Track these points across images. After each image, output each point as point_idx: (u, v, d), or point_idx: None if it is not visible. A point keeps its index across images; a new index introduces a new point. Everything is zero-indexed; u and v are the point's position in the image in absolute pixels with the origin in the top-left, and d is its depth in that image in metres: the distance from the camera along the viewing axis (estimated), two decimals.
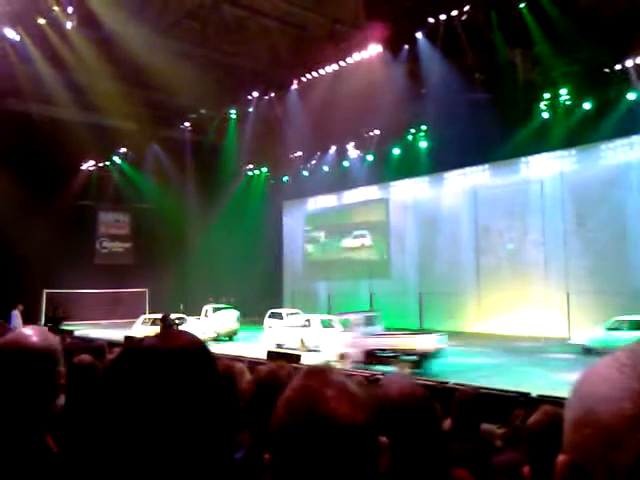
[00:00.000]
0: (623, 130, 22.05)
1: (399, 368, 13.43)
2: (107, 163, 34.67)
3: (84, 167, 34.06)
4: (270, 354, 11.02)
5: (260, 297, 32.10)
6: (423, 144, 28.67)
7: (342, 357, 16.01)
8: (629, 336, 19.68)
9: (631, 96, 21.83)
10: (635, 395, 0.47)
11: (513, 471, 2.52)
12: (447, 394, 4.03)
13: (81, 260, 31.57)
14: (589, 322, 22.67)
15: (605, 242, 23.02)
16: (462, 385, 6.23)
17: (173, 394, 1.04)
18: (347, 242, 34.58)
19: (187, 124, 32.99)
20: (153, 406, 0.99)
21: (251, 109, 30.61)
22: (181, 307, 28.33)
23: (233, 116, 31.85)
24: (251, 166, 36.42)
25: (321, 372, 0.98)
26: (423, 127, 28.07)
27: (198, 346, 1.18)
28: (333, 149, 32.50)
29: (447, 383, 7.38)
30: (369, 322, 17.43)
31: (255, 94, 29.70)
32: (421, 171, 29.04)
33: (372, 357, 15.37)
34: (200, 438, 1.07)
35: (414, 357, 14.88)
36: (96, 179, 34.21)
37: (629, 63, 21.36)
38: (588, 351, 17.99)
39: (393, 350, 15.38)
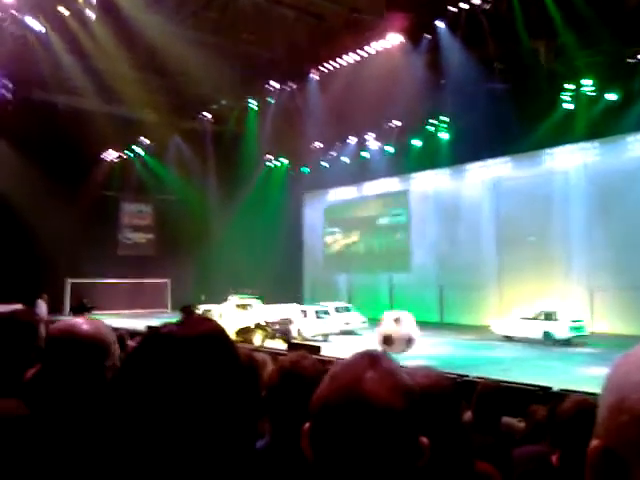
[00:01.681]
0: None
1: None
2: (130, 154, 34.97)
3: (107, 158, 34.39)
4: (290, 345, 11.08)
5: (280, 289, 32.21)
6: (444, 135, 28.41)
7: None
8: (540, 325, 20.07)
9: None
10: None
11: (535, 462, 2.51)
12: (468, 387, 4.01)
13: (104, 250, 31.97)
14: (611, 317, 22.43)
15: (629, 235, 22.63)
16: (482, 378, 6.20)
17: (192, 382, 1.04)
18: (366, 234, 34.48)
19: (207, 115, 33.08)
20: (172, 393, 1.00)
21: (271, 99, 30.58)
22: (202, 298, 28.55)
23: (253, 107, 31.86)
24: (271, 157, 36.45)
25: (371, 355, 1.00)
26: (444, 118, 27.81)
27: (219, 334, 1.18)
28: (353, 140, 32.37)
29: (467, 376, 7.34)
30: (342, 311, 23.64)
31: (275, 84, 29.67)
32: (442, 163, 28.81)
33: None
34: (220, 426, 1.07)
35: None
36: (119, 170, 34.53)
37: None
38: (508, 338, 21.05)
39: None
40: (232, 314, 22.22)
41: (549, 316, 20.91)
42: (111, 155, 34.45)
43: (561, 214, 25.18)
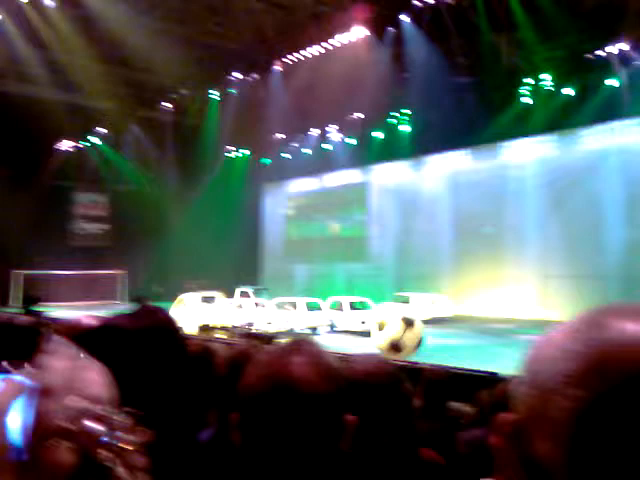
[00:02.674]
0: (603, 116, 22.28)
1: None
2: (86, 143, 34.15)
3: (61, 147, 33.50)
4: (244, 335, 11.06)
5: (239, 279, 32.06)
6: (405, 128, 28.66)
7: None
8: (346, 316, 20.62)
9: (612, 82, 22.02)
10: (577, 357, 0.50)
11: (473, 445, 2.58)
12: (418, 374, 4.08)
13: (57, 241, 31.13)
14: (564, 305, 23.11)
15: (582, 227, 23.33)
16: (432, 365, 6.33)
17: (136, 372, 1.03)
18: (326, 225, 34.61)
19: (168, 104, 32.56)
20: (118, 383, 0.99)
21: (233, 90, 30.29)
22: (158, 290, 28.16)
23: (215, 97, 31.51)
24: (232, 147, 36.13)
25: (297, 342, 1.02)
26: (406, 111, 28.04)
27: (165, 325, 1.18)
28: (315, 132, 32.36)
29: (418, 363, 7.45)
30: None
31: (237, 75, 29.39)
32: (403, 155, 29.07)
33: None
34: (165, 416, 1.07)
35: None
36: (74, 160, 33.66)
37: (611, 49, 21.50)
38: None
39: None
40: (197, 307, 21.83)
41: (335, 305, 21.38)
42: (66, 144, 33.57)
43: (517, 206, 25.79)
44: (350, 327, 19.99)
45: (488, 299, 25.53)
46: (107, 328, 1.18)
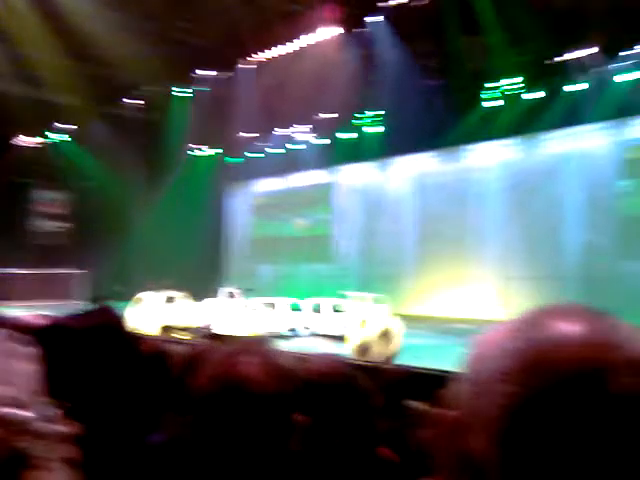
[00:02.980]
0: (565, 121, 22.82)
1: None
2: (47, 139, 33.35)
3: (20, 143, 32.66)
4: (209, 335, 10.89)
5: (203, 279, 31.74)
6: (373, 129, 28.81)
7: None
8: (327, 319, 20.34)
9: (574, 88, 22.55)
10: (514, 355, 0.51)
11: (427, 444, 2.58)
12: (378, 374, 4.07)
13: (14, 239, 30.36)
14: (524, 306, 23.52)
15: (542, 229, 23.84)
16: (392, 364, 6.39)
17: (83, 371, 1.03)
18: (292, 225, 34.56)
19: (133, 101, 32.03)
20: (63, 381, 0.98)
21: (201, 88, 30.01)
22: (119, 289, 27.63)
23: (182, 94, 31.14)
24: (198, 146, 35.74)
25: (249, 343, 1.04)
26: (374, 112, 28.20)
27: (115, 325, 1.16)
28: (283, 132, 32.26)
29: (378, 363, 7.50)
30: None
31: (205, 72, 29.10)
32: (370, 156, 29.23)
33: None
34: (110, 418, 1.05)
35: None
36: (33, 156, 32.83)
37: (574, 55, 22.01)
38: None
39: None
40: (158, 307, 21.39)
41: (316, 307, 20.72)
42: (25, 140, 32.74)
43: (481, 208, 26.20)
44: (330, 331, 19.02)
45: (451, 299, 25.86)
46: (55, 327, 1.16)
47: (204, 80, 29.37)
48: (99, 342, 1.10)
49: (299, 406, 0.99)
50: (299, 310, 20.98)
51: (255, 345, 1.02)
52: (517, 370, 0.50)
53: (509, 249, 24.97)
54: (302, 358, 2.00)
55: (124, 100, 31.68)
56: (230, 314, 19.97)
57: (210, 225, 34.91)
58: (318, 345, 16.23)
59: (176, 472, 1.53)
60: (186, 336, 16.46)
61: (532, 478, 0.48)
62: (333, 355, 2.11)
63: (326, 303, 21.02)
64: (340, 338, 16.70)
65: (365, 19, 23.50)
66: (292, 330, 20.00)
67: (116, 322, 1.18)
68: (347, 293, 22.81)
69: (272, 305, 20.77)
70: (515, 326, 0.55)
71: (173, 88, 30.65)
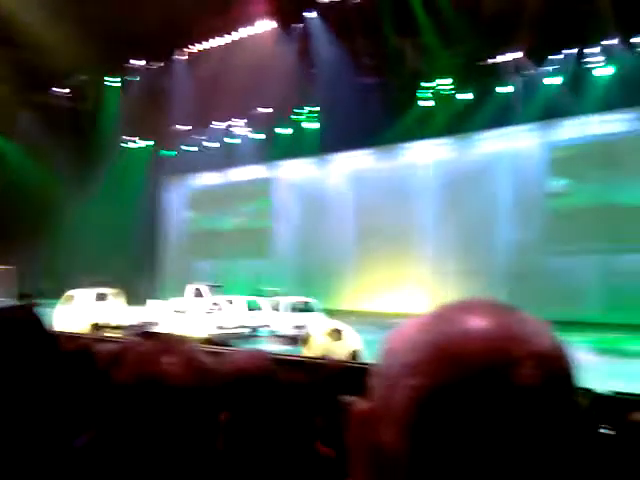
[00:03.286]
0: (497, 121, 23.57)
1: None
2: None
3: None
4: (140, 334, 10.55)
5: (137, 276, 30.99)
6: (312, 125, 28.86)
7: None
8: (283, 318, 19.16)
9: (505, 89, 23.33)
10: (422, 347, 0.52)
11: None
12: (316, 369, 4.06)
13: None
14: (458, 299, 24.22)
15: (475, 226, 24.57)
16: (328, 359, 6.42)
17: None
18: (231, 221, 34.20)
19: (63, 90, 30.81)
20: None
21: (135, 78, 29.21)
22: (46, 286, 26.59)
23: (115, 84, 30.21)
24: (132, 138, 34.76)
25: (170, 340, 1.06)
26: (312, 108, 28.24)
27: (31, 322, 1.11)
28: (220, 125, 31.82)
29: (317, 359, 7.51)
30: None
31: (139, 62, 28.35)
32: (309, 152, 29.27)
33: None
34: (24, 421, 1.00)
35: None
36: None
37: (505, 57, 22.76)
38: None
39: None
40: (89, 304, 20.64)
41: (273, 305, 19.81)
42: None
43: (416, 205, 26.72)
44: (286, 332, 18.08)
45: (388, 295, 26.27)
46: None
47: (139, 70, 28.61)
48: (13, 339, 1.04)
49: (220, 402, 0.99)
50: (258, 309, 19.78)
51: (176, 342, 1.02)
52: (425, 363, 0.51)
53: (444, 245, 25.60)
54: (224, 353, 1.98)
55: (53, 89, 30.42)
56: (187, 315, 18.79)
57: (145, 220, 34.06)
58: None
59: (99, 474, 1.48)
60: (117, 334, 16.11)
61: (440, 470, 0.49)
62: (255, 350, 2.10)
63: (284, 301, 19.85)
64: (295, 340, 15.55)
65: (302, 14, 23.50)
66: (252, 330, 18.99)
67: (33, 319, 1.12)
68: (267, 289, 22.54)
69: (230, 302, 19.75)
70: (425, 320, 0.56)
71: (106, 78, 29.69)
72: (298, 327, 16.53)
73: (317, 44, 24.00)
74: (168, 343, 1.02)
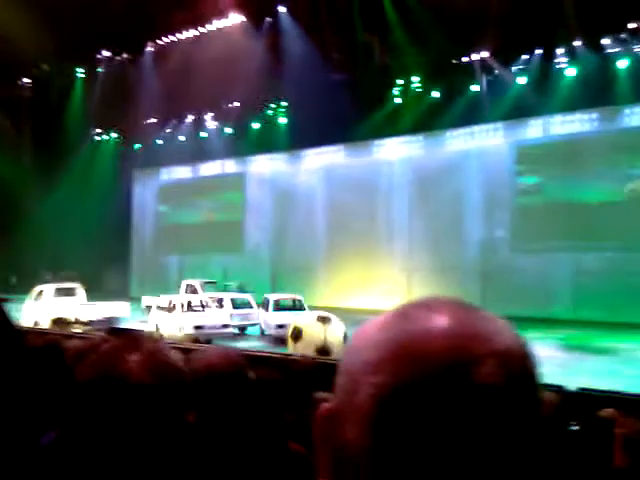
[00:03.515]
0: (465, 120, 23.84)
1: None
2: None
3: None
4: (112, 330, 10.36)
5: (106, 271, 30.55)
6: (282, 120, 28.77)
7: None
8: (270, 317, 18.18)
9: (474, 88, 23.60)
10: (384, 345, 0.53)
11: None
12: (288, 365, 4.05)
13: None
14: (427, 294, 24.50)
15: (444, 223, 24.84)
16: (301, 355, 6.43)
17: None
18: (201, 215, 33.90)
19: (27, 80, 30.06)
20: None
21: (101, 69, 28.66)
22: (11, 281, 26.06)
23: (81, 75, 29.59)
24: (100, 130, 34.14)
25: (136, 337, 1.04)
26: (283, 103, 28.13)
27: None
28: (190, 118, 31.48)
29: (290, 355, 7.50)
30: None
31: (107, 54, 27.83)
32: (280, 147, 29.19)
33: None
34: None
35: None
36: None
37: (474, 57, 23.02)
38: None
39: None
40: (55, 299, 20.17)
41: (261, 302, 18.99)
42: None
43: (386, 202, 26.90)
44: (271, 331, 17.46)
45: (359, 291, 26.38)
46: None
47: (107, 62, 28.08)
48: None
49: (189, 400, 0.98)
50: (249, 307, 19.08)
51: (142, 339, 1.02)
52: (387, 361, 0.52)
53: (414, 242, 25.83)
54: (195, 351, 1.96)
55: (20, 80, 29.67)
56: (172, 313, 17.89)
57: (115, 214, 33.50)
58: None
59: (65, 473, 1.47)
60: (81, 329, 15.85)
61: (402, 467, 0.50)
62: (226, 347, 2.09)
63: (272, 298, 18.87)
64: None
65: (272, 8, 23.39)
66: (241, 329, 18.49)
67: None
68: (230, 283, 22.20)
69: (220, 301, 19.08)
70: (387, 318, 0.56)
71: (75, 69, 29.08)
72: (281, 326, 15.98)
73: (287, 39, 23.93)
74: (133, 340, 1.01)
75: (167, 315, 17.69)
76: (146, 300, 20.05)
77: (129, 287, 34.43)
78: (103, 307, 19.57)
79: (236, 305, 18.85)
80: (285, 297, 19.40)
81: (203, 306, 18.32)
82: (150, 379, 0.92)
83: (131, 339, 1.00)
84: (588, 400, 3.87)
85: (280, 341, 14.44)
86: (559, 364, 12.59)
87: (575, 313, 20.58)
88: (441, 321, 0.53)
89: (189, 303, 18.11)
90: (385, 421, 0.50)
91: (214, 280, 23.47)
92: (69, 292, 21.16)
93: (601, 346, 15.61)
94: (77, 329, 15.81)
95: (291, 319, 15.06)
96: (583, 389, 4.68)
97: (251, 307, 19.03)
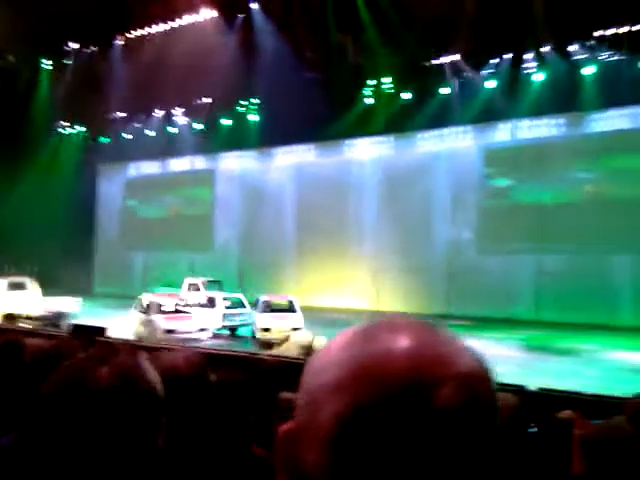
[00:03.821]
0: (436, 122, 24.06)
1: None
2: None
3: None
4: (76, 328, 10.16)
5: (69, 267, 29.88)
6: (254, 117, 28.61)
7: None
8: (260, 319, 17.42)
9: (444, 91, 23.84)
10: (345, 366, 0.53)
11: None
12: (253, 364, 4.02)
13: None
14: (393, 296, 24.74)
15: (412, 223, 25.06)
16: (267, 354, 6.42)
17: None
18: (169, 211, 33.47)
19: None
20: None
21: (69, 61, 28.07)
22: None
23: (48, 67, 28.92)
24: (66, 123, 33.41)
25: (109, 349, 1.04)
26: (255, 100, 27.97)
27: None
28: (159, 113, 31.05)
29: (257, 354, 7.48)
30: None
31: (75, 45, 27.27)
32: (250, 144, 29.01)
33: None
34: None
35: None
36: None
37: (445, 59, 23.25)
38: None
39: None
40: (5, 294, 19.66)
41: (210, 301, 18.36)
42: None
43: (356, 202, 26.99)
44: (257, 334, 16.86)
45: (327, 291, 26.42)
46: None
47: (75, 53, 27.51)
48: None
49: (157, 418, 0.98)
50: (242, 306, 18.45)
51: (116, 350, 1.01)
52: (348, 382, 0.51)
53: (383, 242, 25.98)
54: (157, 353, 1.94)
55: None
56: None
57: (80, 208, 32.83)
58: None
59: (23, 474, 1.45)
60: (31, 324, 15.57)
61: None
62: (188, 348, 2.06)
63: (263, 299, 18.20)
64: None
65: (245, 4, 23.25)
66: (232, 330, 17.89)
67: None
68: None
69: (212, 302, 18.42)
70: (350, 338, 0.56)
71: (42, 60, 28.40)
72: (266, 330, 15.68)
73: (259, 36, 23.81)
74: (106, 352, 1.00)
75: (141, 316, 17.14)
76: (147, 298, 18.89)
77: (93, 283, 33.86)
78: (53, 302, 19.09)
79: (229, 305, 18.15)
80: (276, 299, 18.50)
81: (178, 311, 17.48)
82: (110, 382, 0.92)
83: (105, 350, 1.00)
84: (548, 400, 3.94)
85: (267, 346, 13.89)
86: (520, 364, 12.81)
87: (537, 314, 20.98)
88: (403, 342, 0.53)
89: (159, 306, 17.27)
90: (345, 442, 0.50)
91: (219, 279, 22.60)
92: (21, 286, 20.63)
93: (562, 347, 15.87)
94: (27, 324, 15.58)
95: (277, 323, 15.80)
96: (543, 389, 4.77)
97: (244, 307, 18.34)
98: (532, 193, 23.14)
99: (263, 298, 18.19)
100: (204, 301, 18.41)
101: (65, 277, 27.96)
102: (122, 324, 16.83)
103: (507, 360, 13.62)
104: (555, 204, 22.39)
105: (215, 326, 17.48)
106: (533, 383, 5.19)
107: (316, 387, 0.54)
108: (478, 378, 0.53)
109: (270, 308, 17.67)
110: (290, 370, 3.80)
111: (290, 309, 17.59)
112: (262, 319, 17.01)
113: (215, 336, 17.08)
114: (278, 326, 15.93)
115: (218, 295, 18.94)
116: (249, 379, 3.38)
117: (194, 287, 21.01)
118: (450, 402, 0.50)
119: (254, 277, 27.79)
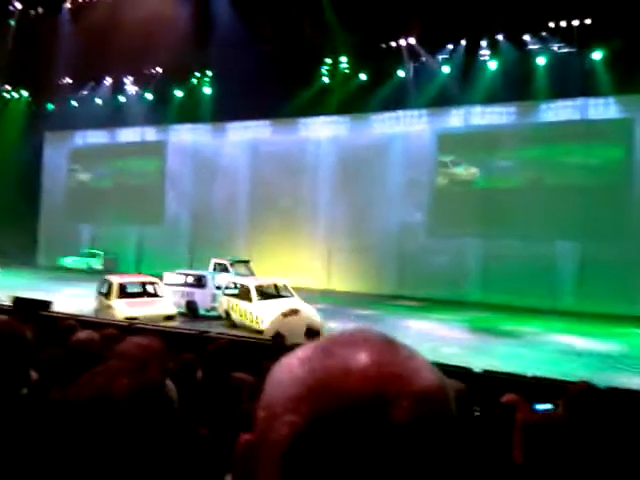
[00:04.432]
0: (391, 104, 24.14)
1: None
2: None
3: None
4: (17, 302, 9.74)
5: (11, 236, 28.82)
6: (207, 90, 28.03)
7: None
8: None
9: (400, 73, 23.93)
10: (301, 382, 0.53)
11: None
12: (204, 343, 3.99)
13: None
14: (345, 276, 24.97)
15: (365, 204, 25.23)
16: (217, 333, 6.40)
17: None
18: (116, 183, 32.54)
19: None
20: None
21: (12, 22, 26.76)
22: None
23: None
24: (9, 87, 31.91)
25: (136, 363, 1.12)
26: (208, 72, 27.36)
27: None
28: (108, 81, 30.01)
29: (209, 332, 7.42)
30: None
31: (18, 5, 25.99)
32: (203, 118, 28.44)
33: None
34: None
35: None
36: None
37: (402, 42, 23.28)
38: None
39: None
40: None
41: (198, 281, 17.09)
42: None
43: (311, 181, 26.92)
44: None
45: (280, 270, 26.34)
46: None
47: (23, 15, 26.22)
48: None
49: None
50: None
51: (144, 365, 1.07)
52: (305, 397, 0.51)
53: (337, 221, 26.06)
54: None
55: None
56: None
57: (23, 177, 31.56)
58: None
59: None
60: None
61: None
62: (146, 336, 2.02)
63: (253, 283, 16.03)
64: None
65: None
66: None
67: None
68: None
69: (199, 280, 17.02)
70: (309, 353, 0.55)
71: None
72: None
73: (215, 7, 23.26)
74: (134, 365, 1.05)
75: (102, 300, 15.08)
76: (168, 277, 17.30)
77: (36, 253, 32.79)
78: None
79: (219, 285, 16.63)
80: (266, 282, 16.29)
81: (148, 293, 15.76)
82: (132, 401, 0.95)
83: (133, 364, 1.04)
84: (492, 382, 4.05)
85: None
86: (466, 346, 13.16)
87: (484, 296, 21.56)
88: (361, 359, 0.53)
89: (122, 288, 15.03)
90: (297, 458, 0.50)
91: (247, 259, 21.38)
92: None
93: (506, 329, 16.28)
94: None
95: (258, 310, 13.62)
96: (487, 371, 4.91)
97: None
98: (482, 178, 23.62)
99: (252, 282, 15.94)
100: (230, 284, 16.34)
101: (7, 247, 26.95)
102: (67, 298, 16.29)
103: (454, 341, 13.98)
104: (504, 189, 22.93)
105: (204, 307, 16.46)
106: (478, 364, 5.33)
107: (274, 400, 0.54)
108: (434, 395, 0.53)
109: (261, 294, 15.23)
110: (241, 349, 3.78)
111: (280, 294, 15.60)
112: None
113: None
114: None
115: (207, 274, 17.45)
116: (200, 358, 3.35)
117: (221, 267, 19.56)
118: (406, 418, 0.50)
119: (205, 253, 27.46)
